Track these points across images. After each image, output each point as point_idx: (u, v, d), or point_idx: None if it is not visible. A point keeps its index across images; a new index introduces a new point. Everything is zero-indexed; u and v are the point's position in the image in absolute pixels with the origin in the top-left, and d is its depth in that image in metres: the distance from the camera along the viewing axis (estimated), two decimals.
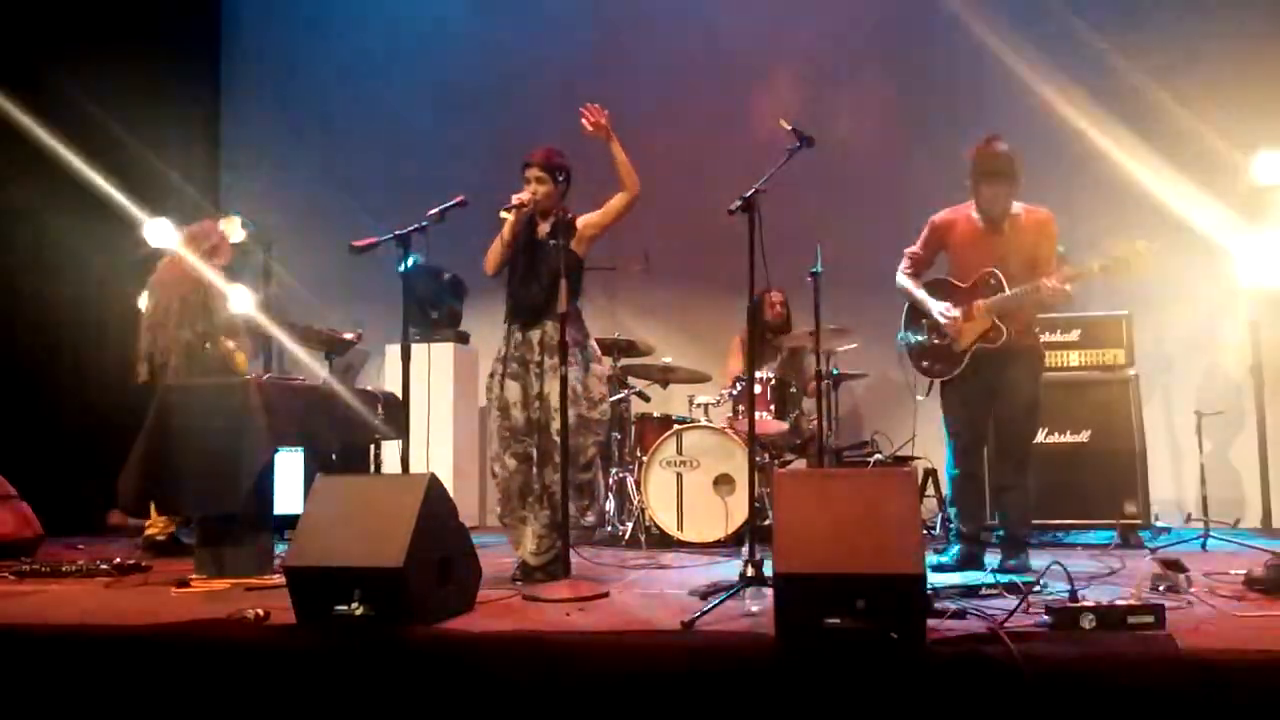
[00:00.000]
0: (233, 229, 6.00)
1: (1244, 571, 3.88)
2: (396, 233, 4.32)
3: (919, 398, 5.00)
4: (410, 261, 4.30)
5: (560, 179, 4.59)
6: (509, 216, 4.51)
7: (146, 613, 3.59)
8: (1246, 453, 6.82)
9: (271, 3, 8.65)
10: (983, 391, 4.64)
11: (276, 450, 4.51)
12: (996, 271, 4.53)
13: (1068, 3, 7.03)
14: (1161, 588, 3.74)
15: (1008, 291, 4.50)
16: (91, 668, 3.20)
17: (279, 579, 3.70)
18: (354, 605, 3.17)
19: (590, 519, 4.81)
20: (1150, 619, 3.03)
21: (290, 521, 4.28)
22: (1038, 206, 4.64)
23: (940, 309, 4.65)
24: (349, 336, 5.06)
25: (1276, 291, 6.59)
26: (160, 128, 7.66)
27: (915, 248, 4.83)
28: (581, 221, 4.66)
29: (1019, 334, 4.57)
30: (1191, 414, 6.15)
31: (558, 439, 4.43)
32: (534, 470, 4.52)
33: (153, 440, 4.50)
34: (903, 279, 4.82)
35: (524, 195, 4.53)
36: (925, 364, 4.79)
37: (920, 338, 4.78)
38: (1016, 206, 4.60)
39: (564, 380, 4.21)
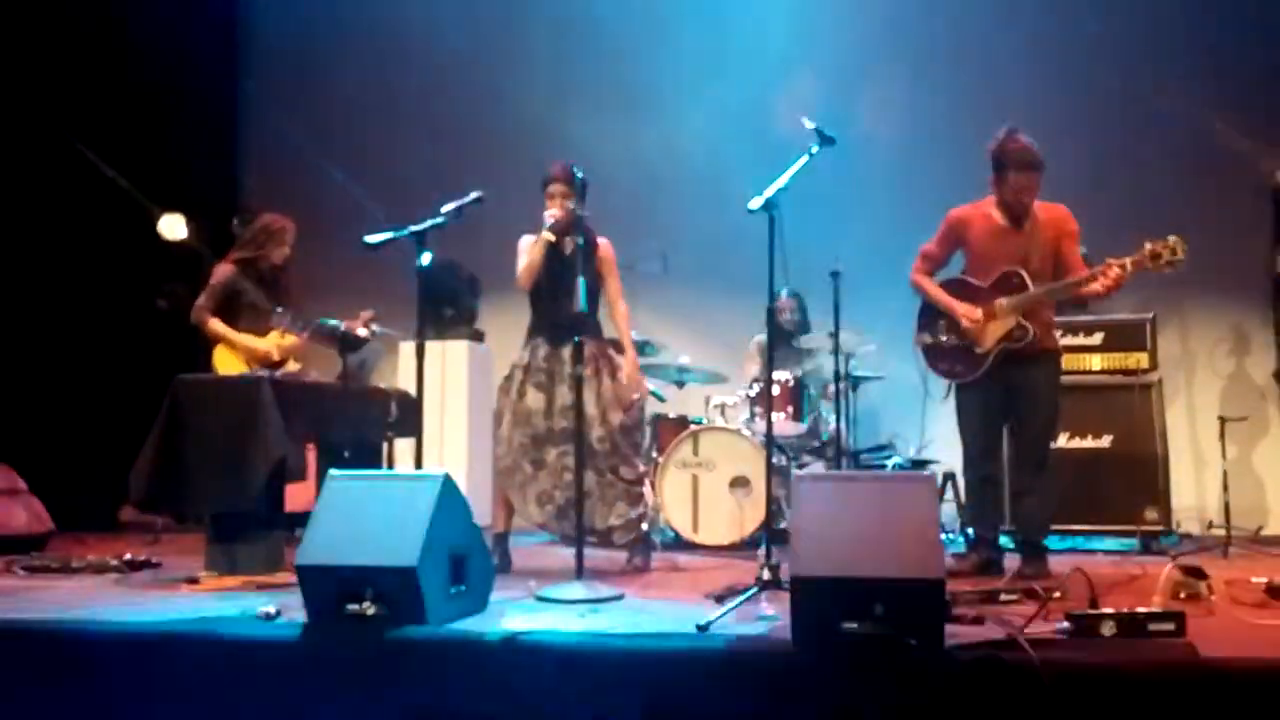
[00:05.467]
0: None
1: (1265, 579, 3.83)
2: (411, 229, 4.29)
3: (939, 400, 4.93)
4: (426, 258, 4.26)
5: (580, 190, 4.64)
6: (553, 237, 4.67)
7: (156, 610, 3.58)
8: (1270, 459, 6.75)
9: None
10: (1000, 395, 4.58)
11: (291, 448, 4.47)
12: (1020, 270, 4.46)
13: (1094, 4, 6.97)
14: (1182, 595, 3.68)
15: (1031, 289, 4.44)
16: (100, 665, 3.19)
17: (290, 577, 3.67)
18: (365, 604, 3.14)
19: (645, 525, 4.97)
20: (1171, 626, 3.00)
21: (302, 519, 4.26)
22: (1053, 204, 4.59)
23: (962, 310, 4.56)
24: (363, 333, 5.04)
25: None
26: (176, 123, 7.66)
27: (931, 245, 4.74)
28: (604, 254, 4.88)
29: (1041, 335, 4.51)
30: (1214, 419, 6.08)
31: (599, 446, 4.70)
32: (555, 476, 4.70)
33: (164, 436, 4.47)
34: (918, 277, 4.74)
35: (557, 213, 4.68)
36: (944, 366, 4.69)
37: (939, 338, 4.70)
38: (1035, 205, 4.55)
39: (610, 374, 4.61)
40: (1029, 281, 4.44)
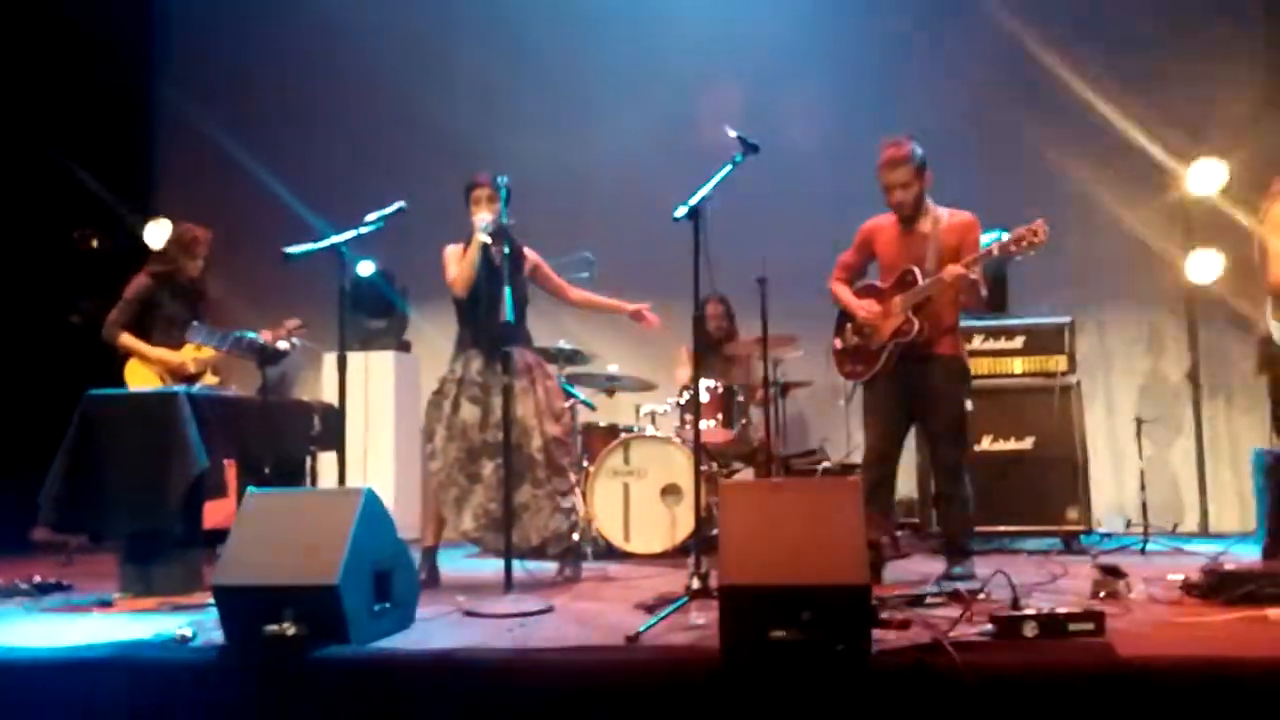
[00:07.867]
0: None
1: (1182, 576, 3.91)
2: (333, 239, 4.22)
3: (840, 403, 5.01)
4: (353, 270, 4.20)
5: (505, 198, 4.65)
6: (488, 239, 4.62)
7: (67, 634, 3.46)
8: (1185, 457, 6.92)
9: (208, 3, 8.46)
10: (900, 396, 4.63)
11: (207, 464, 4.37)
12: (913, 268, 4.55)
13: (1012, 9, 7.07)
14: (1102, 594, 3.76)
15: (920, 284, 4.52)
16: (9, 693, 3.07)
17: (208, 597, 3.58)
18: (285, 625, 3.06)
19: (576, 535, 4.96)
20: (1090, 626, 3.05)
21: (222, 537, 4.16)
22: (962, 210, 4.66)
23: (858, 305, 4.70)
24: (283, 346, 4.95)
25: (1214, 297, 6.70)
26: (87, 133, 7.46)
27: (847, 254, 4.87)
28: (533, 259, 4.94)
29: (938, 337, 4.57)
30: (1131, 420, 6.22)
31: (538, 456, 4.69)
32: (491, 490, 4.62)
33: (75, 454, 4.33)
34: (833, 285, 4.87)
35: (488, 216, 4.65)
36: (848, 367, 4.82)
37: (847, 341, 4.81)
38: (941, 210, 4.62)
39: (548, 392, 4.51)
40: (919, 277, 4.52)
